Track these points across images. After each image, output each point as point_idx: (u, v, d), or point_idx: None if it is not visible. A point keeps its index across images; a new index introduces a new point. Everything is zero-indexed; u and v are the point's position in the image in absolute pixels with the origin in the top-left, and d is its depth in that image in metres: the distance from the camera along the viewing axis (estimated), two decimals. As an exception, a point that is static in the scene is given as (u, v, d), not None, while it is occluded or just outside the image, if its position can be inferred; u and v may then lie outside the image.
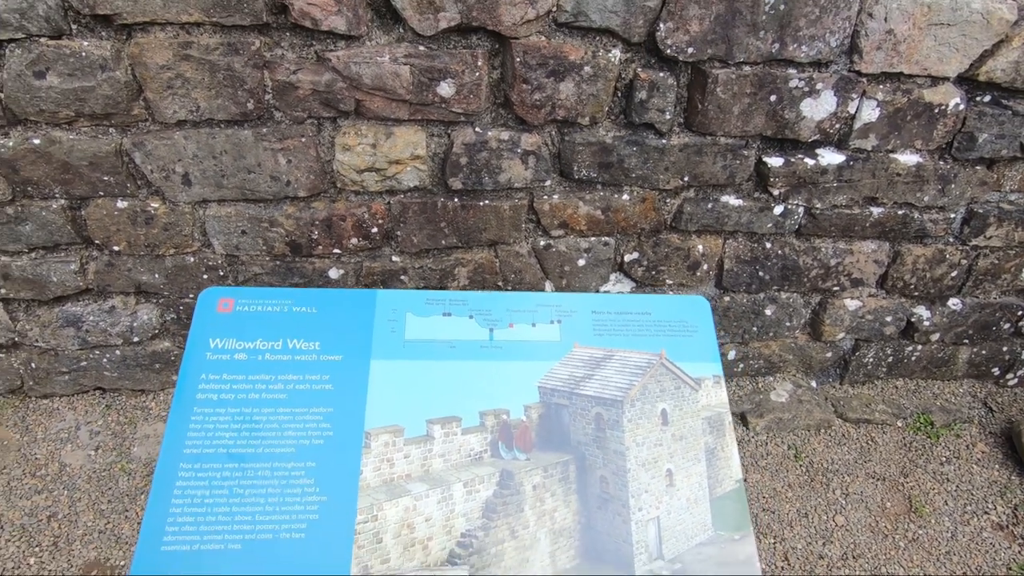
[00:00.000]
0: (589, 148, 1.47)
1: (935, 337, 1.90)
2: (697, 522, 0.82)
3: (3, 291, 1.54)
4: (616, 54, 1.34)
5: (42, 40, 1.21)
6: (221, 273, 1.57)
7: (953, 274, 1.77)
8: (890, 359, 1.95)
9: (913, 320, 1.85)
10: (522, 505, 0.80)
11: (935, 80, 1.43)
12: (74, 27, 1.21)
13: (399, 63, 1.29)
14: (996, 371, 2.01)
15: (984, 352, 1.96)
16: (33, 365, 1.68)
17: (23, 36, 1.20)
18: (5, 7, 1.16)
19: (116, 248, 1.51)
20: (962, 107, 1.47)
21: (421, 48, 1.29)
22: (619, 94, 1.41)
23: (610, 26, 1.29)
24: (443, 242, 1.58)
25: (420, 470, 0.81)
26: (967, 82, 1.45)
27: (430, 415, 0.84)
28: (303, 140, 1.39)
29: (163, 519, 0.75)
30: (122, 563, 1.39)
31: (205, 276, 1.58)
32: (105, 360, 1.69)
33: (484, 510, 0.80)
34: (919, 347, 1.93)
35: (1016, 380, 2.03)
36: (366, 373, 0.86)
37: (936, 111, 1.46)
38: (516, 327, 0.93)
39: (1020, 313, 1.88)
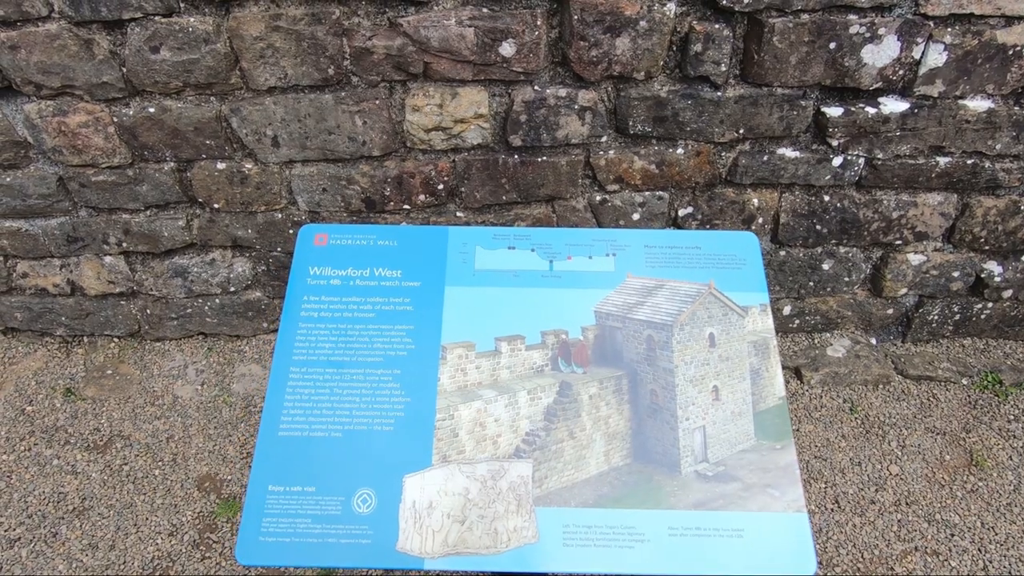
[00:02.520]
0: (644, 103, 1.52)
1: (1007, 294, 1.84)
2: (740, 431, 0.89)
3: (124, 245, 1.77)
4: (671, 7, 1.38)
5: (156, 18, 1.38)
6: (305, 228, 1.74)
7: (1013, 226, 1.70)
8: (957, 317, 1.90)
9: (983, 276, 1.80)
10: (579, 411, 0.90)
11: (1010, 20, 1.39)
12: (182, 5, 1.38)
13: (464, 25, 1.39)
14: (1076, 331, 1.92)
15: (1063, 311, 1.88)
16: (148, 311, 1.93)
17: (141, 15, 1.38)
18: (127, -11, 1.33)
19: (216, 206, 1.70)
20: (1040, 48, 1.41)
21: (484, 10, 1.38)
22: (674, 48, 1.45)
23: (666, -21, 1.33)
24: (503, 198, 1.68)
25: (489, 379, 0.93)
26: (1047, 21, 1.40)
27: (497, 333, 0.95)
28: (377, 103, 1.51)
29: (279, 412, 0.90)
30: (228, 477, 1.61)
31: (291, 231, 1.75)
32: (207, 307, 1.92)
33: (546, 414, 0.90)
34: (989, 304, 1.88)
35: (1099, 341, 1.93)
36: (441, 297, 0.98)
37: (1011, 52, 1.41)
38: (574, 259, 1.02)
39: (1105, 269, 1.79)
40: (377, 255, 1.02)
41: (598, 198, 1.70)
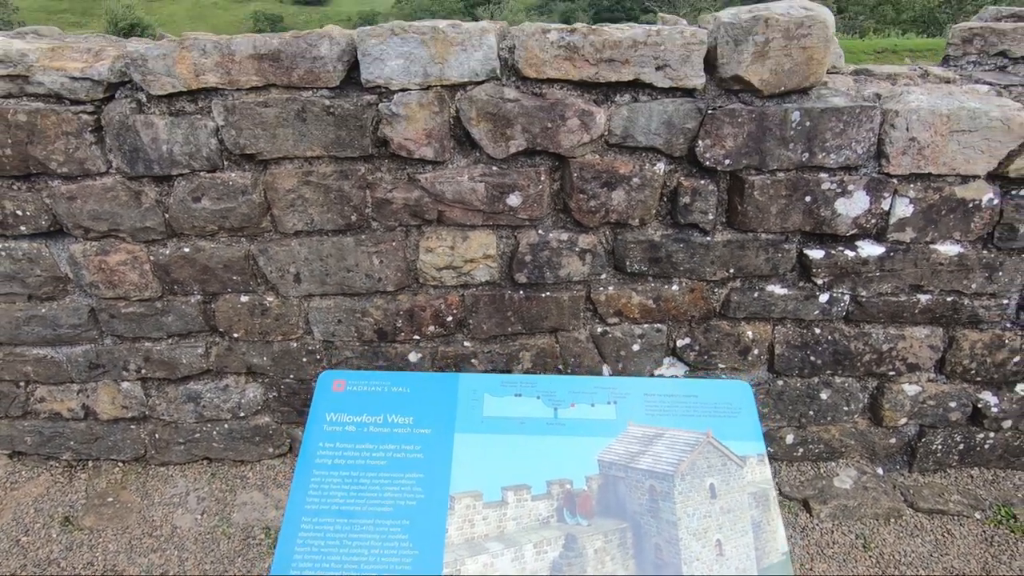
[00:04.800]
0: (640, 246, 1.65)
1: (1007, 424, 1.86)
2: (746, 590, 0.89)
3: (143, 371, 1.83)
4: (661, 167, 1.55)
5: (201, 173, 1.55)
6: (318, 357, 1.81)
7: (1016, 359, 1.76)
8: (961, 446, 1.91)
9: (980, 406, 1.83)
10: (585, 566, 0.91)
11: (965, 178, 1.54)
12: (225, 163, 1.56)
13: (475, 181, 1.55)
14: (1084, 462, 1.91)
15: (1066, 441, 1.89)
16: (157, 436, 1.95)
17: (188, 171, 1.55)
18: (180, 151, 1.51)
19: (235, 335, 1.78)
20: (996, 201, 1.56)
21: (494, 168, 1.55)
22: (665, 199, 1.61)
23: (654, 145, 1.51)
24: (509, 329, 1.77)
25: (496, 530, 0.94)
26: (999, 178, 1.55)
27: (505, 483, 0.98)
28: (394, 244, 1.65)
29: (289, 562, 0.91)
30: (221, 620, 1.54)
31: (304, 359, 1.82)
32: (215, 432, 1.94)
33: (551, 568, 0.91)
34: (991, 434, 1.89)
35: (1109, 472, 1.92)
36: (451, 444, 1.02)
37: (970, 205, 1.56)
38: (577, 407, 1.07)
39: (1099, 400, 1.82)
40: (391, 401, 1.08)
41: (599, 330, 1.78)
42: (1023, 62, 1.77)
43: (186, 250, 1.65)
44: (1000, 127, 1.47)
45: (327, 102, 1.46)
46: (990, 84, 1.66)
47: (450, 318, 1.76)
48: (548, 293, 1.72)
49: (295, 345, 1.80)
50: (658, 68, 1.42)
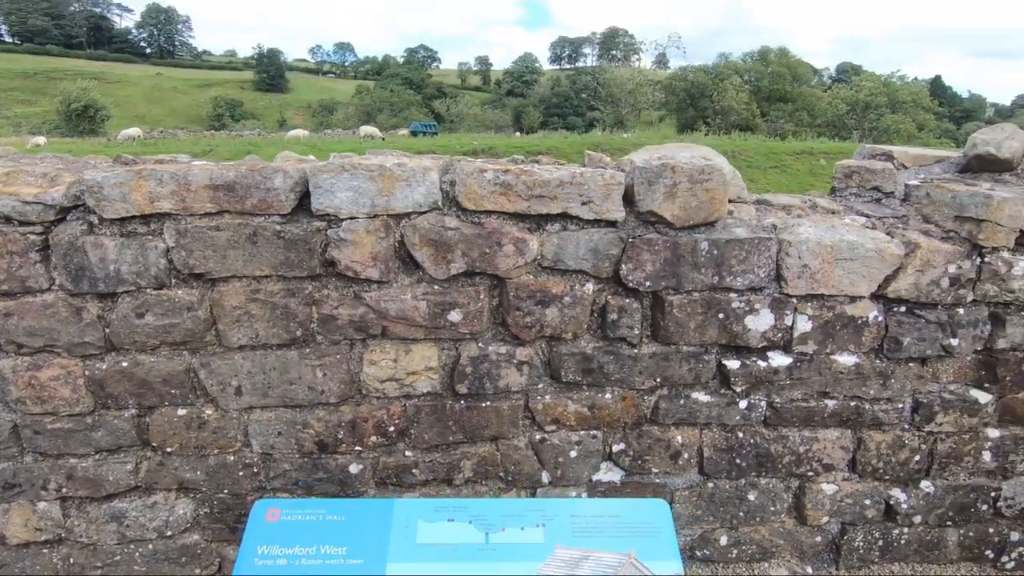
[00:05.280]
0: (573, 357, 1.76)
1: (917, 519, 1.99)
2: None
3: (64, 490, 1.74)
4: (590, 287, 1.70)
5: (148, 290, 1.59)
6: (255, 470, 1.78)
7: (916, 458, 1.93)
8: (880, 543, 2.02)
9: (891, 503, 1.97)
10: None
11: (852, 298, 1.76)
12: (173, 281, 1.60)
13: (418, 299, 1.65)
14: (990, 554, 2.05)
15: (972, 534, 2.03)
16: (72, 560, 1.82)
17: (134, 289, 1.58)
18: (128, 270, 1.55)
19: (169, 449, 1.74)
20: (881, 318, 1.77)
21: (436, 287, 1.66)
22: (595, 315, 1.74)
23: (582, 268, 1.66)
24: (451, 438, 1.81)
25: (425, 669, 0.95)
26: (881, 298, 1.78)
27: (435, 616, 1.00)
28: (338, 357, 1.69)
29: None
30: None
31: (241, 473, 1.78)
32: (138, 554, 1.83)
33: None
34: (905, 530, 2.01)
35: (1013, 563, 2.06)
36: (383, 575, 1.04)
37: (859, 322, 1.77)
38: (508, 530, 1.12)
39: (994, 494, 1.99)
40: (325, 530, 1.09)
41: (538, 437, 1.84)
42: (893, 196, 2.08)
43: (124, 364, 1.64)
44: (875, 256, 1.70)
45: (278, 227, 1.55)
46: (867, 216, 1.93)
47: (392, 428, 1.78)
48: (488, 403, 1.78)
49: (232, 458, 1.77)
50: (583, 203, 1.60)
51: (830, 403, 1.86)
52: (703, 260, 1.67)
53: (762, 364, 1.80)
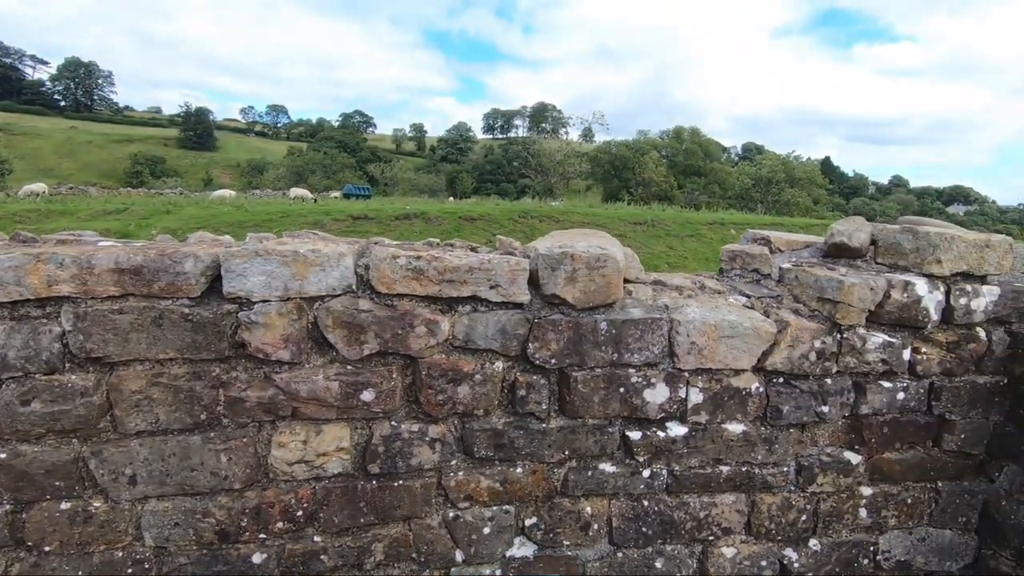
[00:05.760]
0: (485, 433, 1.81)
1: (809, 577, 2.13)
2: None
3: (-86, 602, 1.55)
4: (499, 365, 1.78)
5: (37, 376, 1.52)
6: (146, 566, 1.67)
7: (803, 518, 2.09)
8: (778, 603, 2.13)
9: (785, 563, 2.10)
10: None
11: (736, 372, 1.95)
12: (67, 365, 1.54)
13: (331, 380, 1.67)
14: (875, 607, 2.21)
15: (858, 588, 2.19)
16: None
17: (21, 375, 1.50)
18: (16, 355, 1.48)
19: (47, 548, 1.61)
20: (762, 389, 1.96)
21: (349, 368, 1.69)
22: (505, 391, 1.82)
23: (492, 347, 1.75)
24: (362, 520, 1.78)
25: None
26: (761, 371, 1.98)
27: None
28: (244, 440, 1.66)
29: None
30: None
31: (130, 570, 1.66)
32: (-2, 673, 1.63)
33: None
34: (799, 588, 2.14)
35: (895, 614, 2.22)
36: None
37: (744, 393, 1.95)
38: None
39: (872, 548, 2.17)
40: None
41: (451, 515, 1.85)
42: (770, 277, 2.35)
43: (2, 456, 1.53)
44: (753, 334, 1.91)
45: (186, 310, 1.55)
46: (747, 296, 2.17)
47: (300, 513, 1.74)
48: (401, 482, 1.79)
49: (120, 555, 1.66)
50: (491, 287, 1.71)
51: (724, 469, 2.00)
52: (603, 339, 1.81)
53: (661, 434, 1.92)
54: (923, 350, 2.06)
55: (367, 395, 1.70)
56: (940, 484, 2.20)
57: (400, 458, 1.76)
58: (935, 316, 2.03)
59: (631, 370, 1.86)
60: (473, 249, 1.90)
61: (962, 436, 2.15)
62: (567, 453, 1.88)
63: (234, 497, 1.69)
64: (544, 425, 1.85)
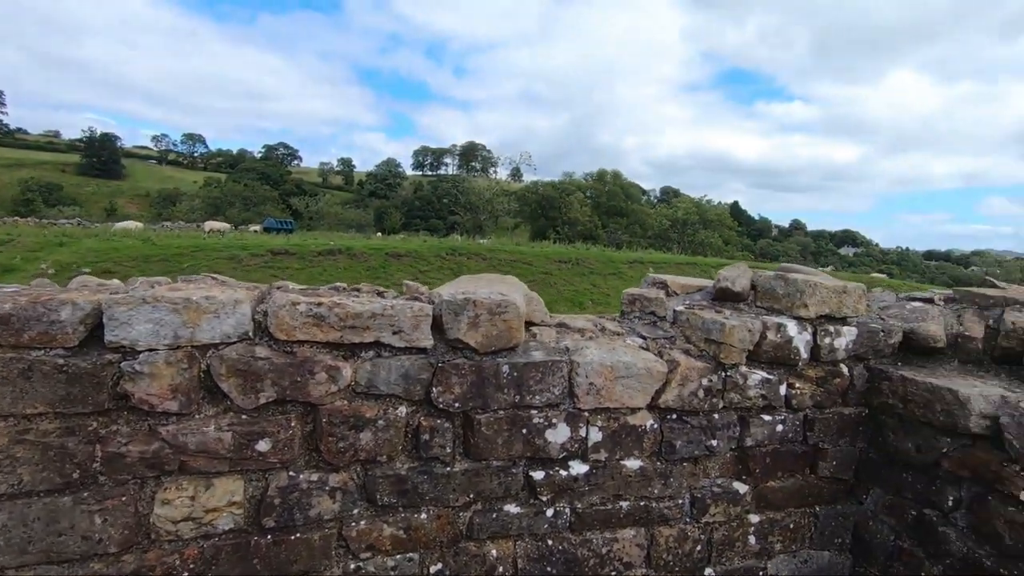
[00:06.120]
0: (388, 480, 1.80)
1: (706, 606, 2.23)
2: None
3: None
4: (403, 410, 1.79)
5: None
6: (-1, 647, 1.50)
7: (698, 548, 2.20)
8: (678, 634, 2.21)
9: (684, 593, 2.19)
10: None
11: (633, 410, 2.06)
12: (-86, 424, 1.39)
13: (223, 430, 1.61)
14: (766, 630, 2.34)
15: (751, 613, 2.31)
16: None
17: None
18: None
19: None
20: (656, 426, 2.09)
21: (244, 417, 1.64)
22: (409, 436, 1.83)
23: (395, 393, 1.77)
24: (255, 579, 1.70)
25: None
26: (656, 408, 2.10)
27: None
28: (123, 499, 1.56)
29: None
30: None
31: (-22, 654, 1.49)
32: None
33: None
34: (697, 618, 2.23)
35: (784, 636, 2.36)
36: None
37: (640, 429, 2.06)
38: None
39: (762, 574, 2.32)
40: None
41: (352, 566, 1.80)
42: (665, 319, 2.53)
43: None
44: (646, 374, 2.04)
45: (61, 361, 1.46)
46: (644, 337, 2.31)
47: (186, 574, 1.64)
48: (298, 535, 1.73)
49: (-33, 637, 1.48)
50: (394, 332, 1.73)
51: (624, 504, 2.09)
52: (505, 381, 1.87)
53: (563, 473, 1.99)
54: (797, 385, 2.28)
55: (263, 445, 1.65)
56: (818, 508, 2.40)
57: (298, 510, 1.71)
58: (805, 354, 2.26)
59: (533, 411, 1.93)
60: (380, 294, 1.92)
61: (834, 463, 2.37)
62: (472, 496, 1.90)
63: (109, 562, 1.57)
64: (449, 469, 1.86)
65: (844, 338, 2.32)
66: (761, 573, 2.32)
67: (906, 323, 2.42)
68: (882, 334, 2.35)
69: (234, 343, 1.61)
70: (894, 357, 2.39)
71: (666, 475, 2.12)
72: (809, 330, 2.27)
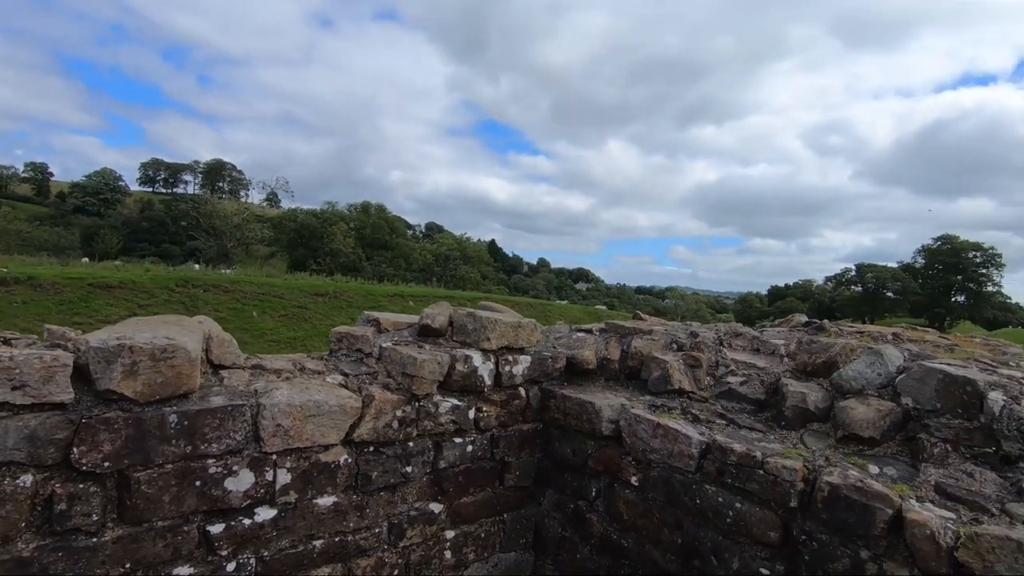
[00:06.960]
0: (4, 566, 1.50)
1: (404, 628, 2.35)
2: None
3: None
4: (27, 478, 1.53)
5: None
6: None
7: (396, 572, 2.32)
8: (377, 662, 2.28)
9: (381, 620, 2.28)
10: None
11: (325, 447, 2.11)
12: None
13: None
14: (462, 637, 2.56)
15: (448, 624, 2.51)
16: None
17: None
18: None
19: None
20: (351, 460, 2.16)
21: None
22: (39, 509, 1.56)
23: (15, 459, 1.50)
24: None
25: None
26: (351, 443, 2.18)
27: None
28: None
29: None
30: None
31: None
32: None
33: None
34: (396, 641, 2.34)
35: (478, 638, 2.62)
36: None
37: (333, 465, 2.11)
38: None
39: (457, 585, 2.54)
40: None
41: None
42: (372, 355, 2.66)
43: None
44: (339, 410, 2.11)
45: None
46: (346, 374, 2.39)
47: None
48: None
49: None
50: (14, 388, 1.48)
51: (317, 543, 2.10)
52: (173, 432, 1.74)
53: (247, 521, 1.92)
54: (484, 409, 2.61)
55: None
56: (506, 515, 2.76)
57: None
58: (489, 381, 2.61)
59: (210, 460, 1.83)
60: (7, 342, 1.63)
61: (517, 473, 2.76)
62: (129, 566, 1.70)
63: None
64: (96, 540, 1.64)
65: (521, 365, 2.74)
66: (457, 584, 2.55)
67: (570, 350, 2.98)
68: (551, 360, 2.85)
69: None
70: (561, 379, 2.91)
71: (362, 507, 2.21)
72: (492, 360, 2.63)
